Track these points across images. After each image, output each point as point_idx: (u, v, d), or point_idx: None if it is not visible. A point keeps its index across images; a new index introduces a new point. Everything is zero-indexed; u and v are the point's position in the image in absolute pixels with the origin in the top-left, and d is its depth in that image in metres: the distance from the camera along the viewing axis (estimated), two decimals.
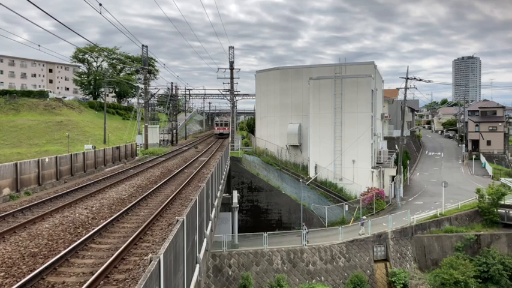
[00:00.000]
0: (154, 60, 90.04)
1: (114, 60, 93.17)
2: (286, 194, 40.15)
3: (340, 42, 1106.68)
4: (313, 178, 45.19)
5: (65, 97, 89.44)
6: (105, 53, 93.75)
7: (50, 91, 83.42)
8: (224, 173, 29.83)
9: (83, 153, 30.70)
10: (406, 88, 47.43)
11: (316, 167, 47.04)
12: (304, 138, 51.05)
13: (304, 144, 51.07)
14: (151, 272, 5.58)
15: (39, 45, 27.81)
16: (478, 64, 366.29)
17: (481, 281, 33.18)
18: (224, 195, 30.64)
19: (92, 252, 11.88)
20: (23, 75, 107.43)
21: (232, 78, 52.37)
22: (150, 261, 6.02)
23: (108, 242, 12.91)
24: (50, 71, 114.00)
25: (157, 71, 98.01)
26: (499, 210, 38.76)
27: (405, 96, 48.68)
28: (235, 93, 59.33)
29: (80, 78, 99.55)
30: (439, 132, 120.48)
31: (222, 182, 26.49)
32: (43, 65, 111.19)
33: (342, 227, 34.49)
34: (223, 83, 53.60)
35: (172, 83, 72.70)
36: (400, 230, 35.19)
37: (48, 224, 14.62)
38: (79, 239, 12.50)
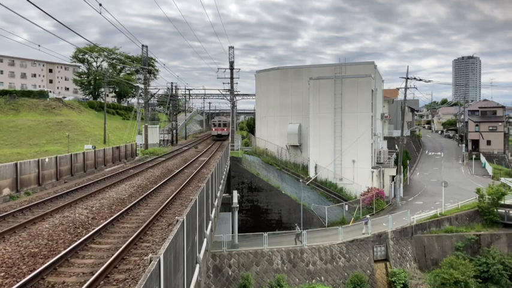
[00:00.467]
0: (154, 60, 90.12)
1: (114, 60, 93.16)
2: (286, 194, 40.15)
3: (340, 42, 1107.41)
4: (313, 178, 45.19)
5: (65, 97, 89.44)
6: (105, 53, 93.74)
7: (50, 91, 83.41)
8: (224, 173, 29.83)
9: (83, 153, 30.70)
10: (406, 88, 47.45)
11: (316, 167, 47.04)
12: (304, 138, 51.05)
13: (304, 144, 51.07)
14: (151, 272, 5.58)
15: (39, 45, 27.80)
16: (478, 64, 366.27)
17: (481, 281, 33.18)
18: (224, 195, 30.64)
19: (92, 252, 11.87)
20: (23, 75, 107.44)
21: (232, 78, 52.37)
22: (150, 261, 6.02)
23: (108, 242, 12.90)
24: (50, 71, 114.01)
25: (157, 71, 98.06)
26: (499, 210, 38.77)
27: (405, 96, 48.68)
28: (235, 93, 59.33)
29: (80, 78, 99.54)
30: (439, 132, 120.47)
31: (222, 182, 26.49)
32: (43, 65, 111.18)
33: (342, 227, 34.49)
34: (223, 83, 53.64)
35: (172, 83, 72.71)
36: (400, 230, 35.19)
37: (48, 224, 14.62)
38: (79, 239, 12.49)
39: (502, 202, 39.07)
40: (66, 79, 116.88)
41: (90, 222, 15.31)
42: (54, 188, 24.48)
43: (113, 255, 10.99)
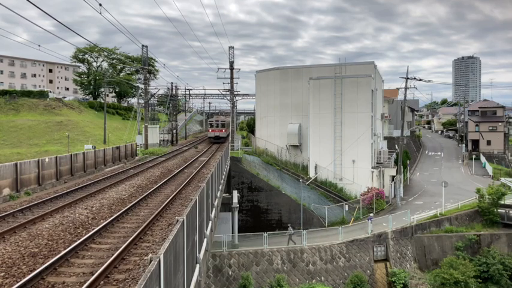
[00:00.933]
0: (154, 60, 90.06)
1: (114, 60, 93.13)
2: (286, 194, 40.15)
3: (340, 42, 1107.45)
4: (313, 178, 45.19)
5: (65, 97, 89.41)
6: (105, 53, 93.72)
7: (50, 91, 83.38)
8: (224, 173, 29.82)
9: (83, 153, 30.70)
10: (406, 88, 47.45)
11: (316, 167, 47.05)
12: (304, 138, 51.05)
13: (304, 144, 51.07)
14: (151, 272, 5.58)
15: (39, 45, 27.80)
16: (478, 64, 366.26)
17: (481, 281, 33.18)
18: (224, 195, 30.64)
19: (92, 252, 11.87)
20: (23, 75, 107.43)
21: (232, 78, 52.35)
22: (150, 261, 6.02)
23: (108, 242, 12.91)
24: (50, 71, 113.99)
25: (157, 71, 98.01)
26: (499, 210, 38.77)
27: (405, 96, 48.68)
28: (235, 93, 59.27)
29: (80, 78, 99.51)
30: (439, 132, 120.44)
31: (222, 182, 26.49)
32: (43, 65, 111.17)
33: (342, 227, 34.47)
34: (223, 83, 53.59)
35: (172, 83, 72.66)
36: (400, 230, 35.18)
37: (48, 224, 14.62)
38: (79, 239, 12.49)
39: (502, 202, 39.08)
40: (66, 79, 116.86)
41: (90, 222, 15.31)
42: (54, 188, 24.48)
43: (113, 255, 10.99)
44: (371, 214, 37.16)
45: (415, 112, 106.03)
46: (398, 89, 64.13)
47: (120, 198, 20.06)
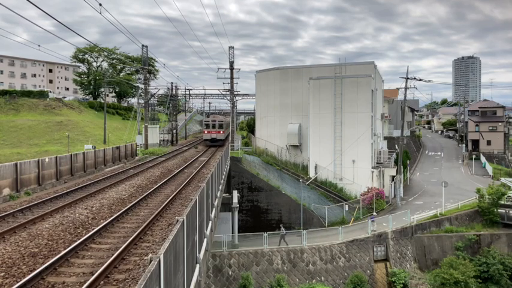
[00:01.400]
0: (154, 60, 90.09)
1: (114, 60, 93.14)
2: (286, 194, 40.15)
3: (340, 42, 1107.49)
4: (313, 178, 45.19)
5: (65, 97, 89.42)
6: (105, 53, 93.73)
7: (50, 91, 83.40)
8: (224, 173, 29.82)
9: (83, 153, 30.70)
10: (406, 88, 47.45)
11: (316, 167, 47.04)
12: (304, 138, 51.04)
13: (304, 144, 51.06)
14: (151, 272, 5.58)
15: (39, 45, 27.79)
16: (478, 64, 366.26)
17: (481, 281, 33.18)
18: (224, 195, 30.63)
19: (92, 252, 11.88)
20: (23, 75, 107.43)
21: (232, 78, 52.34)
22: (150, 261, 6.02)
23: (108, 242, 12.91)
24: (50, 71, 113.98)
25: (157, 71, 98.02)
26: (499, 210, 38.76)
27: (405, 96, 48.68)
28: (235, 93, 59.25)
29: (80, 78, 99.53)
30: (439, 132, 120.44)
31: (222, 182, 26.49)
32: (43, 65, 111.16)
33: (342, 227, 34.47)
34: (223, 83, 53.56)
35: (172, 83, 72.63)
36: (400, 230, 35.18)
37: (48, 224, 14.62)
38: (79, 239, 12.50)
39: (502, 202, 39.07)
40: (66, 79, 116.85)
41: (90, 222, 15.31)
42: (54, 188, 24.48)
43: (113, 255, 10.99)
44: (374, 213, 37.11)
45: (415, 112, 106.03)
46: (398, 89, 64.15)
47: (120, 198, 20.06)
